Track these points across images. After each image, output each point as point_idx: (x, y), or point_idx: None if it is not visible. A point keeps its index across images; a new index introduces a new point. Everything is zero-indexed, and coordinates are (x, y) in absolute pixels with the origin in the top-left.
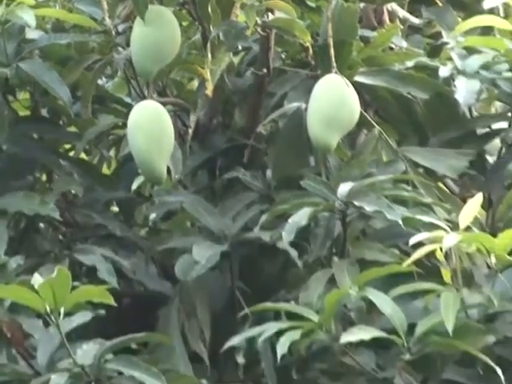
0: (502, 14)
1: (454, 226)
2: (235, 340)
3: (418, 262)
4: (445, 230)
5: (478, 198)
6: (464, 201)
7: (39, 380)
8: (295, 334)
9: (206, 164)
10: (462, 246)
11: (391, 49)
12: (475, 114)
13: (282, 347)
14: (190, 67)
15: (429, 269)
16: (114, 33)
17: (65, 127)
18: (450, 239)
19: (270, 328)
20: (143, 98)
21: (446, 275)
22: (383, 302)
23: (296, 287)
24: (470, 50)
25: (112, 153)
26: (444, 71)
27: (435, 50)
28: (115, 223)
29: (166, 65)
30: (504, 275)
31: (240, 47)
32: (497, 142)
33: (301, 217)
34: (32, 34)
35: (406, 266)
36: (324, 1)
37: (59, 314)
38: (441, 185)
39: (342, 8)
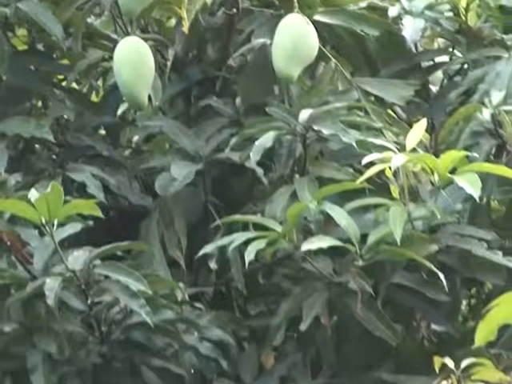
0: None
1: (402, 148)
2: (208, 248)
3: (369, 180)
4: (393, 151)
5: (423, 123)
6: (410, 125)
7: (35, 283)
8: (261, 243)
9: (182, 93)
10: (408, 165)
11: None
12: (420, 49)
13: (249, 254)
14: (169, 7)
15: (379, 186)
16: None
17: (58, 60)
18: (398, 159)
19: (239, 237)
20: (127, 34)
21: (395, 191)
22: (339, 214)
23: (262, 201)
24: None
25: (100, 82)
26: (393, 11)
27: None
28: (102, 144)
29: (147, 5)
30: (446, 191)
31: None
32: (439, 73)
33: (266, 139)
34: None
35: (359, 183)
36: None
37: (53, 225)
38: (390, 111)
39: None
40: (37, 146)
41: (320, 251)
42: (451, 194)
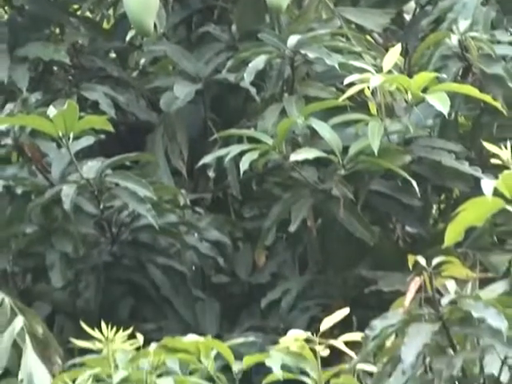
0: None
1: (379, 70)
2: (207, 158)
3: (350, 98)
4: (371, 72)
5: (398, 47)
6: (386, 50)
7: (53, 190)
8: (254, 154)
9: (184, 20)
10: (385, 85)
11: None
12: None
13: (243, 164)
14: None
15: (359, 103)
16: None
17: None
18: (376, 80)
19: (235, 149)
20: None
21: (373, 108)
22: (323, 128)
23: (255, 117)
24: None
25: (111, 12)
26: None
27: None
28: (113, 67)
29: None
30: (418, 108)
31: None
32: (412, 3)
33: (258, 62)
34: None
35: (341, 101)
36: None
37: (69, 138)
38: (368, 37)
39: None
40: (55, 68)
41: (306, 161)
42: (423, 111)
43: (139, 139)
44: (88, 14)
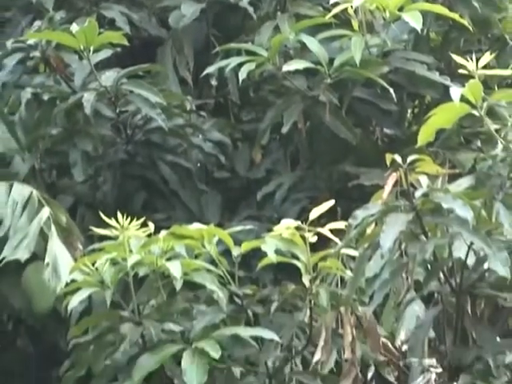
0: None
1: None
2: (210, 69)
3: (335, 16)
4: None
5: None
6: None
7: (76, 96)
8: (251, 65)
9: None
10: (365, 4)
11: None
12: None
13: (242, 74)
14: None
15: (343, 21)
16: None
17: None
18: (358, 0)
19: (234, 61)
20: None
21: (355, 25)
22: (312, 43)
23: (252, 33)
24: None
25: None
26: None
27: None
28: None
29: None
30: (395, 25)
31: None
32: None
33: None
34: None
35: (327, 18)
36: None
37: (89, 51)
38: None
39: None
40: None
41: (297, 71)
42: (399, 27)
43: (151, 52)
44: None
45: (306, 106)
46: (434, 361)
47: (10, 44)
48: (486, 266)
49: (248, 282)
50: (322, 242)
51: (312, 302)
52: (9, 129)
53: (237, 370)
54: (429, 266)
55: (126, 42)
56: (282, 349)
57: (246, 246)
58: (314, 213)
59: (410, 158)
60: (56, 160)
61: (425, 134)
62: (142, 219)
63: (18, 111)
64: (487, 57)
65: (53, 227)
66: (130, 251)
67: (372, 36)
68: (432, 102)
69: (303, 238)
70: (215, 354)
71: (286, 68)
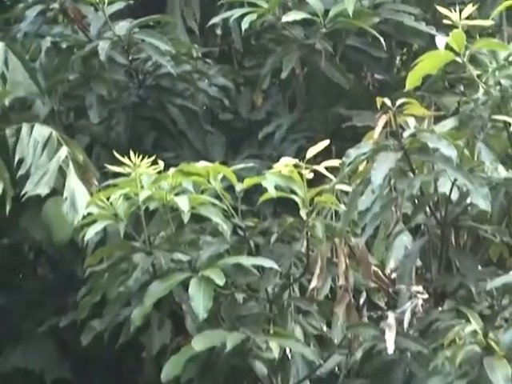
0: None
1: None
2: (215, 19)
3: None
4: None
5: None
6: None
7: (91, 45)
8: (253, 16)
9: None
10: None
11: None
12: None
13: (244, 24)
14: None
15: None
16: None
17: None
18: None
19: (238, 12)
20: None
21: None
22: None
23: None
24: None
25: None
26: None
27: None
28: None
29: None
30: None
31: None
32: None
33: None
34: None
35: None
36: None
37: (104, 3)
38: None
39: None
40: None
41: (295, 22)
42: None
43: (160, 4)
44: None
45: (303, 53)
46: (420, 287)
47: None
48: (468, 200)
49: (250, 215)
50: (318, 179)
51: (309, 233)
52: (30, 75)
53: (239, 296)
54: (416, 201)
55: None
56: (281, 276)
57: (248, 182)
58: (311, 152)
59: (398, 102)
60: (73, 103)
61: (412, 79)
62: (153, 157)
63: (38, 58)
64: (469, 8)
65: (71, 165)
66: (142, 187)
67: None
68: (419, 50)
69: (300, 174)
70: (220, 281)
71: (284, 19)
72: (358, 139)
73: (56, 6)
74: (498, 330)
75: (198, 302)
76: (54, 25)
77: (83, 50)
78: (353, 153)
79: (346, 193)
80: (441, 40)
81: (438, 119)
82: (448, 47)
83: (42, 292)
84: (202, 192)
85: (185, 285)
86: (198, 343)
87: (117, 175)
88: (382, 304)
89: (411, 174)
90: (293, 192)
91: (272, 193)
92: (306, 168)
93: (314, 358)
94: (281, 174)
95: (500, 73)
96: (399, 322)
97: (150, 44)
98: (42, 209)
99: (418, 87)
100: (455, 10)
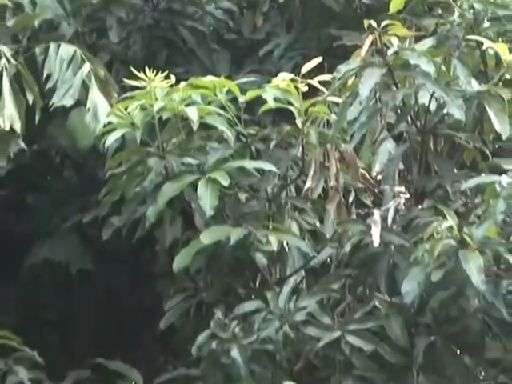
0: None
1: None
2: None
3: None
4: None
5: None
6: None
7: None
8: None
9: None
10: None
11: None
12: None
13: None
14: None
15: None
16: None
17: None
18: None
19: None
20: None
21: None
22: None
23: None
24: None
25: None
26: None
27: None
28: None
29: None
30: None
31: None
32: None
33: None
34: None
35: None
36: None
37: None
38: None
39: None
40: None
41: None
42: None
43: None
44: None
45: None
46: (402, 188)
47: None
48: (445, 110)
49: (251, 124)
50: (312, 92)
51: (304, 140)
52: None
53: (242, 196)
54: (399, 111)
55: None
56: (279, 178)
57: (250, 94)
58: (305, 67)
59: (383, 23)
60: (95, 24)
61: (395, 3)
62: (165, 73)
63: None
64: None
65: (93, 79)
66: (156, 99)
67: None
68: None
69: (296, 88)
70: (225, 182)
71: None
72: (348, 57)
73: None
74: (472, 225)
75: (206, 200)
76: None
77: None
78: (343, 68)
79: (337, 104)
80: None
81: (418, 39)
82: None
83: (68, 192)
84: (209, 103)
85: (194, 185)
86: (206, 237)
87: (134, 88)
88: (368, 202)
89: (394, 88)
90: (290, 103)
91: (271, 104)
92: (302, 82)
93: (308, 250)
94: (279, 87)
95: None
96: (384, 219)
97: None
98: (68, 118)
99: (401, 10)
100: None
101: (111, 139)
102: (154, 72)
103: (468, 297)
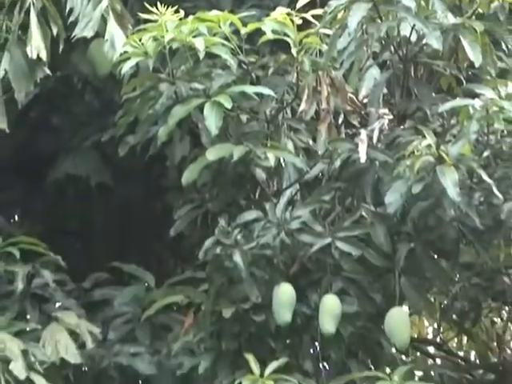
0: None
1: None
2: None
3: None
4: None
5: None
6: None
7: None
8: None
9: None
10: None
11: None
12: None
13: None
14: None
15: None
16: None
17: None
18: None
19: None
20: None
21: None
22: None
23: None
24: None
25: None
26: None
27: None
28: None
29: None
30: None
31: None
32: None
33: None
34: None
35: None
36: None
37: None
38: None
39: None
40: None
41: None
42: None
43: None
44: None
45: None
46: (386, 110)
47: None
48: (424, 41)
49: (252, 53)
50: (306, 24)
51: (298, 67)
52: None
53: (243, 117)
54: (383, 42)
55: None
56: (276, 101)
57: (251, 27)
58: (300, 2)
59: None
60: None
61: None
62: (175, 7)
63: None
64: None
65: (110, 13)
66: (167, 31)
67: None
68: None
69: (292, 21)
70: (228, 105)
71: None
72: None
73: None
74: (448, 144)
75: (211, 121)
76: None
77: None
78: (333, 3)
79: (328, 35)
80: None
81: None
82: None
83: (88, 114)
84: (214, 35)
85: (200, 108)
86: (211, 154)
87: (147, 21)
88: (356, 123)
89: (379, 21)
90: (286, 35)
91: (269, 35)
92: (297, 16)
93: (302, 165)
94: (276, 21)
95: None
96: (369, 138)
97: None
98: (88, 48)
99: None
100: None
101: (127, 67)
102: (165, 7)
103: (444, 207)
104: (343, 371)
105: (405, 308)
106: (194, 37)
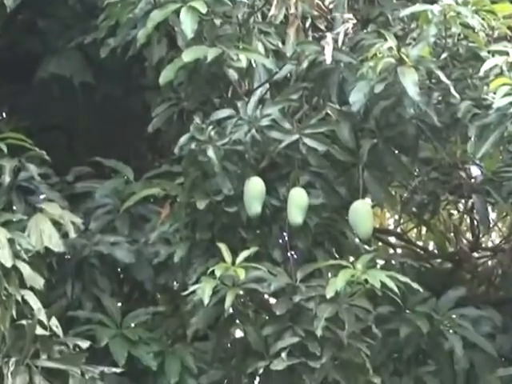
0: None
1: None
2: None
3: None
4: None
5: None
6: None
7: None
8: None
9: None
10: None
11: None
12: None
13: None
14: None
15: None
16: None
17: None
18: None
19: None
20: None
21: None
22: None
23: None
24: None
25: None
26: None
27: None
28: None
29: None
30: None
31: None
32: None
33: None
34: None
35: None
36: None
37: None
38: None
39: None
40: None
41: None
42: None
43: None
44: None
45: None
46: (351, 15)
47: None
48: None
49: None
50: None
51: None
52: None
53: (217, 21)
54: None
55: None
56: (248, 7)
57: None
58: None
59: None
60: None
61: None
62: None
63: None
64: None
65: None
66: None
67: None
68: None
69: None
70: (203, 9)
71: None
72: None
73: None
74: (408, 46)
75: (187, 25)
76: None
77: None
78: None
79: None
80: None
81: None
82: None
83: (72, 18)
84: None
85: (177, 12)
86: (187, 55)
87: None
88: (322, 27)
89: None
90: None
91: None
92: None
93: (272, 66)
94: None
95: None
96: (335, 41)
97: None
98: None
99: None
100: None
101: None
102: None
103: (405, 106)
104: (310, 260)
105: (368, 200)
106: None
